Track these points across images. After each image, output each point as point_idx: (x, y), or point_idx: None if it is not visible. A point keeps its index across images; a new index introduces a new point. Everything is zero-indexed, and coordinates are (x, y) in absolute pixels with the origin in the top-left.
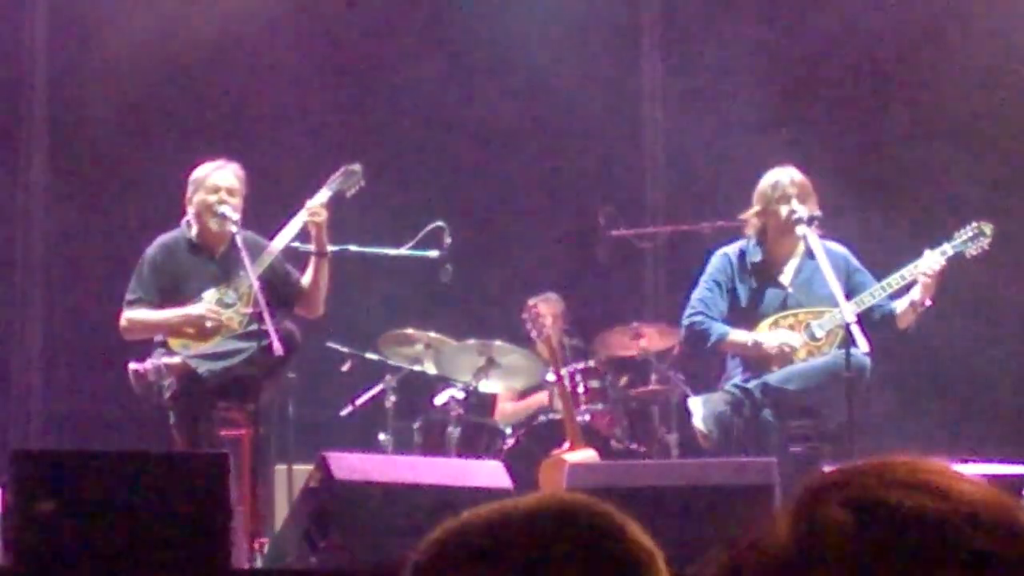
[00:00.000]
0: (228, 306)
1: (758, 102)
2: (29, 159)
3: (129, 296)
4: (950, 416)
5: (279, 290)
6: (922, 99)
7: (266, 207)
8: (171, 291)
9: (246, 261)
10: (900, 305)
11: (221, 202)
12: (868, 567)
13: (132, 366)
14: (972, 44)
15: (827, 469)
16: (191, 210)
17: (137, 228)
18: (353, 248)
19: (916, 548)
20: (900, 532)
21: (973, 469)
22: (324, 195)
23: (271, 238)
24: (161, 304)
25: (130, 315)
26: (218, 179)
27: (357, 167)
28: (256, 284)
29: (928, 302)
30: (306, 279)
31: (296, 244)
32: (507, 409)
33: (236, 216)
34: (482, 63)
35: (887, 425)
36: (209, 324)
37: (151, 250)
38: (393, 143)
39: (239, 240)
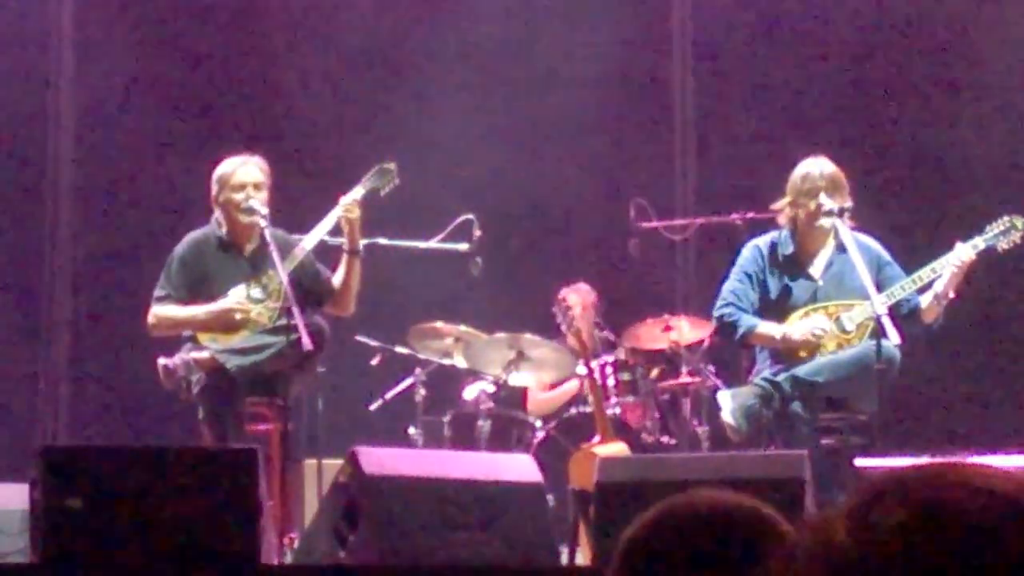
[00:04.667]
0: (257, 302)
1: (789, 93)
2: (56, 153)
3: (158, 292)
4: (981, 407)
5: (309, 288)
6: (959, 89)
7: (299, 203)
8: (200, 288)
9: (275, 257)
10: (925, 299)
11: (248, 198)
12: (927, 568)
13: (161, 361)
14: (1009, 32)
15: (860, 463)
16: (218, 209)
17: (165, 223)
18: (382, 241)
19: (974, 550)
20: (959, 534)
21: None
22: (358, 192)
23: (304, 234)
24: (189, 301)
25: (158, 311)
26: (243, 175)
27: (392, 165)
28: (285, 280)
29: (952, 294)
30: (337, 278)
31: (326, 237)
32: (539, 399)
33: (265, 210)
34: (511, 56)
35: (917, 416)
36: (238, 317)
37: (180, 247)
38: (423, 137)
39: (268, 235)
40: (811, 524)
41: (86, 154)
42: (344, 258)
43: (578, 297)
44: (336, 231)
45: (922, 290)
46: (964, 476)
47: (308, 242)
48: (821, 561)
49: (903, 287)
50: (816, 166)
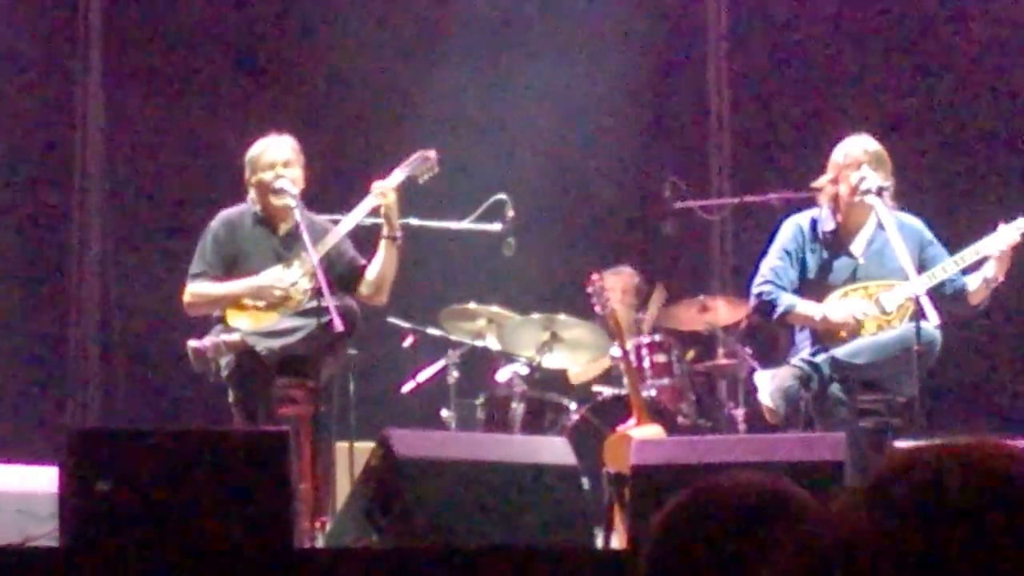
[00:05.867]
0: (290, 284)
1: (829, 69)
2: (85, 130)
3: (192, 270)
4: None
5: (341, 273)
6: (1005, 67)
7: (334, 184)
8: (233, 265)
9: (306, 240)
10: (973, 281)
11: (278, 177)
12: (940, 546)
13: (191, 344)
14: None
15: (898, 446)
16: (252, 191)
17: (196, 202)
18: (414, 222)
19: (984, 529)
20: (964, 514)
21: None
22: (396, 178)
23: (340, 216)
24: (223, 278)
25: (194, 289)
26: (272, 154)
27: (432, 153)
28: (316, 261)
29: (1001, 278)
30: (373, 265)
31: (363, 220)
32: (578, 372)
33: (295, 189)
34: (545, 34)
35: (957, 398)
36: (277, 293)
37: (214, 223)
38: (456, 116)
39: (298, 216)
40: (834, 503)
41: (116, 130)
42: (382, 244)
43: (619, 280)
44: (374, 214)
45: (966, 271)
46: (978, 457)
47: (343, 226)
48: (841, 539)
49: (944, 268)
50: (859, 142)
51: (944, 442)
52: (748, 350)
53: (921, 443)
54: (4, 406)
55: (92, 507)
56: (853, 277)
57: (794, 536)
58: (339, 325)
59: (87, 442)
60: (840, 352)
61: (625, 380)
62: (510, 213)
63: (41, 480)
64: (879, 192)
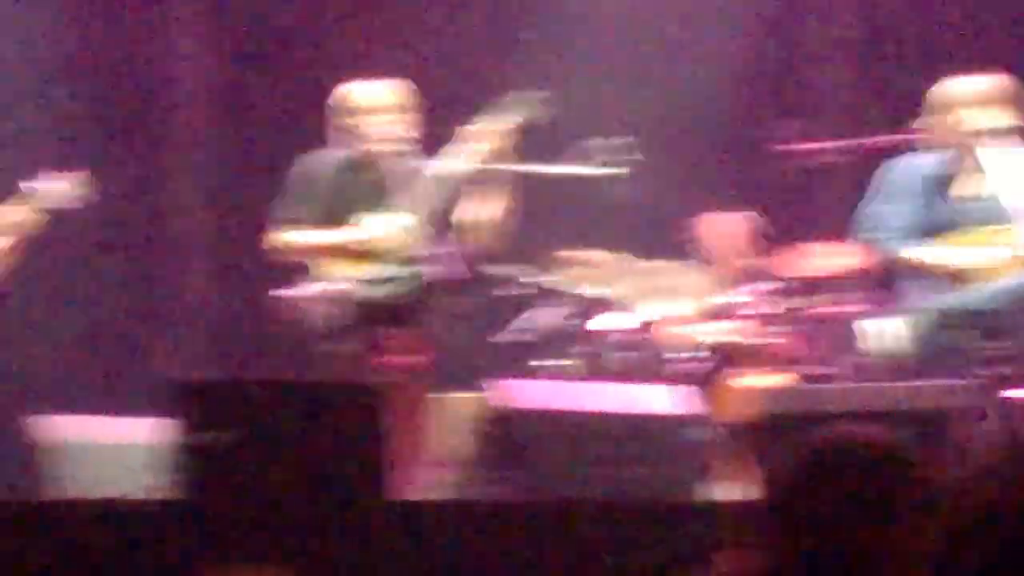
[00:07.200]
0: (390, 231)
1: (954, 10)
2: (182, 90)
3: (281, 214)
4: None
5: (444, 219)
6: None
7: (434, 128)
8: (328, 210)
9: (410, 186)
10: None
11: (381, 123)
12: None
13: (287, 292)
14: None
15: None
16: (352, 136)
17: (282, 146)
18: (518, 166)
19: None
20: None
21: None
22: (500, 120)
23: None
24: (315, 224)
25: (284, 236)
26: (380, 99)
27: (536, 95)
28: (419, 209)
29: None
30: (477, 210)
31: (465, 165)
32: (676, 332)
33: (396, 135)
34: None
35: None
36: (370, 247)
37: (304, 165)
38: (566, 60)
39: (401, 163)
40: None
41: (216, 77)
42: (486, 188)
43: (734, 225)
44: (479, 158)
45: None
46: None
47: (446, 171)
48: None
49: None
50: (957, 82)
51: None
52: (863, 296)
53: None
54: (101, 357)
55: (200, 459)
56: (963, 221)
57: (924, 502)
58: (442, 273)
59: (190, 394)
60: (954, 299)
61: (733, 327)
62: (622, 156)
63: (134, 432)
64: (985, 133)
